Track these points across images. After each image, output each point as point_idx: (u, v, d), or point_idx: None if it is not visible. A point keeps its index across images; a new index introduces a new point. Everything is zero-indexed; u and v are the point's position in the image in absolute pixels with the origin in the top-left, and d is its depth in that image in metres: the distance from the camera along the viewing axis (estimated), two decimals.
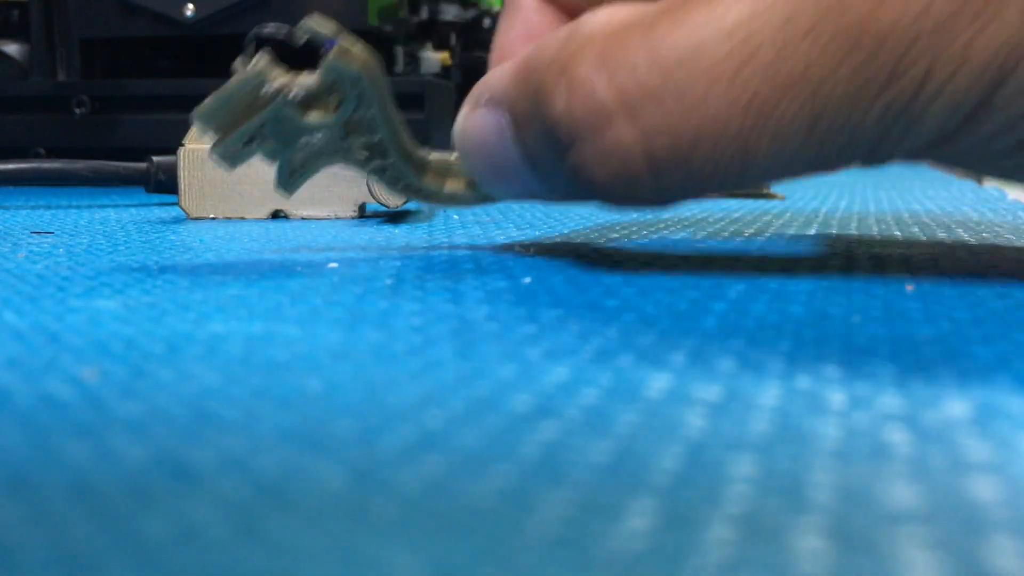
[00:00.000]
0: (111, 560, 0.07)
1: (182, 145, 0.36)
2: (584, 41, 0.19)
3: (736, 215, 0.39)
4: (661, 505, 0.09)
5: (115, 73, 0.64)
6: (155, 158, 0.41)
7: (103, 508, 0.09)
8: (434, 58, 0.71)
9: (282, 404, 0.12)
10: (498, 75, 0.21)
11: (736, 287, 0.20)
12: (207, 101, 0.22)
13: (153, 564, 0.07)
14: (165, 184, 0.40)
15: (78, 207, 0.42)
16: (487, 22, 0.80)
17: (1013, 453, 0.10)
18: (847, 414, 0.11)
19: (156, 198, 0.45)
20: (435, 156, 0.24)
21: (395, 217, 0.37)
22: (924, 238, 0.30)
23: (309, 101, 0.22)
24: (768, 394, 0.12)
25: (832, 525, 0.08)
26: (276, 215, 0.36)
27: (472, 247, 0.27)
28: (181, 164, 0.36)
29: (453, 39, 0.76)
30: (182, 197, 0.36)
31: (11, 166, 0.41)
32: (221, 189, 0.36)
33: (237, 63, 0.22)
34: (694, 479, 0.09)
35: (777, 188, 0.48)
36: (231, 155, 0.22)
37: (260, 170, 0.36)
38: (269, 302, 0.18)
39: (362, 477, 0.09)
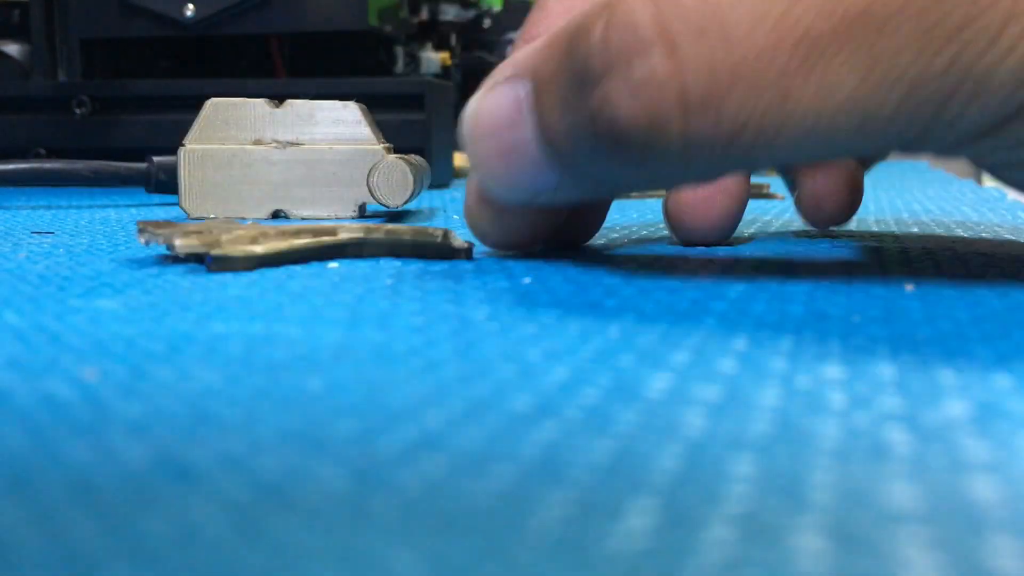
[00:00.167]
0: (111, 560, 0.07)
1: (182, 145, 0.36)
2: None
3: None
4: (661, 505, 0.09)
5: (115, 73, 0.64)
6: (155, 158, 0.41)
7: (103, 508, 0.09)
8: (434, 58, 0.71)
9: (282, 404, 0.12)
10: (524, 50, 0.20)
11: (736, 287, 0.20)
12: None
13: (153, 564, 0.07)
14: (165, 184, 0.40)
15: (78, 207, 0.42)
16: (487, 22, 0.80)
17: (1013, 453, 0.10)
18: (847, 414, 0.11)
19: (156, 198, 0.45)
20: None
21: (395, 217, 0.37)
22: (924, 238, 0.30)
23: None
24: (768, 394, 0.12)
25: (832, 525, 0.08)
26: (276, 215, 0.36)
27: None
28: (181, 164, 0.36)
29: (453, 39, 0.76)
30: (182, 197, 0.36)
31: (11, 166, 0.41)
32: (221, 189, 0.36)
33: None
34: (694, 479, 0.09)
35: (777, 189, 0.48)
36: None
37: (260, 170, 0.36)
38: (269, 302, 0.18)
39: (362, 477, 0.09)
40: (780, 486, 0.09)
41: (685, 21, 0.17)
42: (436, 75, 0.69)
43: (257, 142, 0.36)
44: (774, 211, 0.42)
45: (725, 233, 0.27)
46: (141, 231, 0.22)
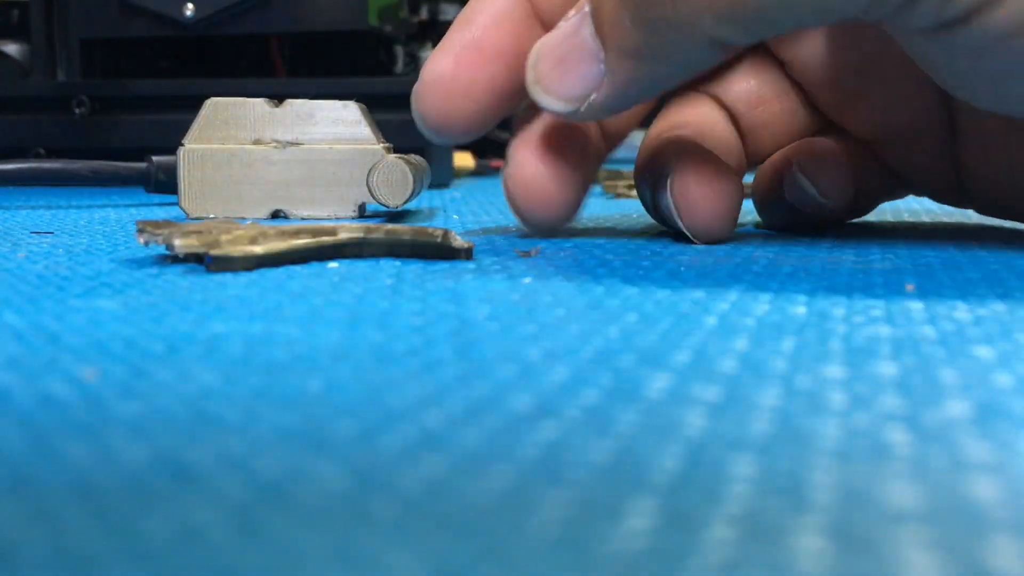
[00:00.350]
0: (111, 560, 0.07)
1: (182, 145, 0.36)
2: None
3: None
4: (661, 505, 0.09)
5: (115, 73, 0.64)
6: (155, 158, 0.41)
7: (103, 508, 0.09)
8: None
9: (282, 404, 0.12)
10: None
11: (736, 287, 0.20)
12: None
13: (153, 564, 0.07)
14: (165, 184, 0.40)
15: (78, 207, 0.42)
16: None
17: (1013, 453, 0.10)
18: (847, 414, 0.11)
19: (156, 198, 0.45)
20: None
21: (395, 217, 0.37)
22: (924, 238, 0.30)
23: None
24: (768, 394, 0.12)
25: (832, 525, 0.08)
26: (276, 215, 0.36)
27: None
28: (181, 164, 0.36)
29: None
30: (182, 197, 0.36)
31: (11, 166, 0.41)
32: (221, 189, 0.36)
33: None
34: (694, 479, 0.09)
35: None
36: None
37: (260, 170, 0.36)
38: (269, 302, 0.18)
39: (362, 477, 0.09)
40: (780, 486, 0.09)
41: None
42: None
43: (257, 142, 0.36)
44: None
45: (726, 231, 0.28)
46: (140, 231, 0.22)
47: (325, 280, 0.21)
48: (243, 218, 0.35)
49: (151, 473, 0.09)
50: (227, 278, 0.21)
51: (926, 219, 0.37)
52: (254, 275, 0.21)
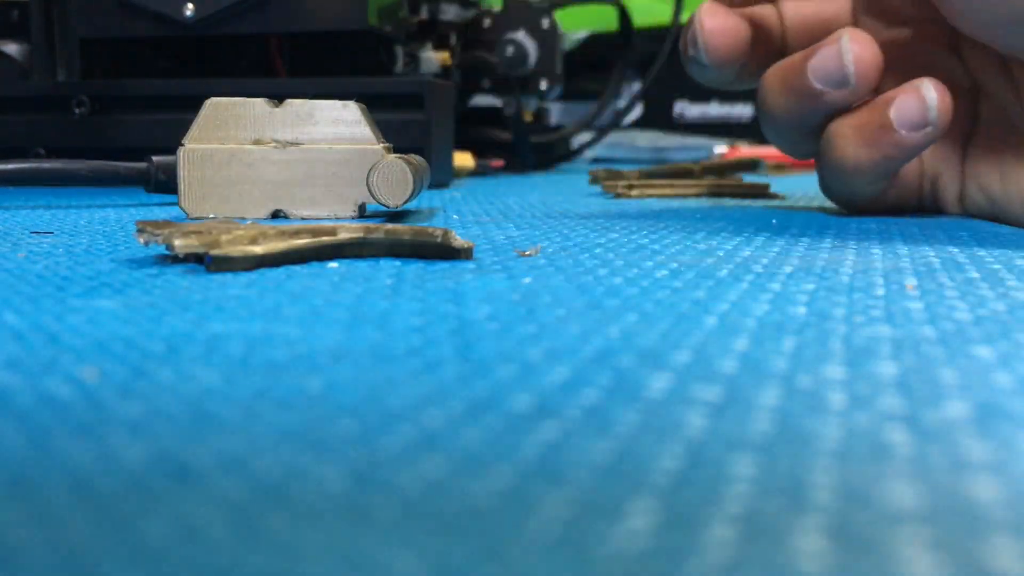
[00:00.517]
0: (111, 560, 0.07)
1: (182, 145, 0.36)
2: None
3: (736, 215, 0.39)
4: (661, 505, 0.09)
5: (115, 73, 0.64)
6: (155, 158, 0.41)
7: (103, 508, 0.09)
8: (434, 58, 0.71)
9: (282, 404, 0.12)
10: None
11: (737, 287, 0.20)
12: None
13: (153, 564, 0.07)
14: (165, 184, 0.40)
15: (78, 207, 0.42)
16: (487, 22, 0.80)
17: (1013, 453, 0.10)
18: (847, 414, 0.11)
19: (156, 198, 0.45)
20: None
21: (395, 217, 0.37)
22: (923, 237, 0.30)
23: None
24: (768, 394, 0.12)
25: (832, 525, 0.08)
26: (276, 215, 0.36)
27: None
28: (181, 164, 0.36)
29: (453, 39, 0.76)
30: (182, 197, 0.36)
31: (11, 166, 0.41)
32: (221, 189, 0.36)
33: None
34: (694, 479, 0.09)
35: (777, 189, 0.48)
36: None
37: (260, 170, 0.36)
38: (269, 302, 0.18)
39: (362, 477, 0.09)
40: (780, 486, 0.09)
41: None
42: (436, 75, 0.69)
43: (257, 142, 0.36)
44: (774, 211, 0.42)
45: (735, 64, 0.36)
46: (140, 231, 0.22)
47: (325, 280, 0.21)
48: (243, 218, 0.35)
49: (151, 473, 0.09)
50: (227, 278, 0.21)
51: (926, 219, 0.37)
52: (254, 275, 0.21)
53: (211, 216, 0.36)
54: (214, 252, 0.22)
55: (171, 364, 0.14)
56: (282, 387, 0.12)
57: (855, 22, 0.38)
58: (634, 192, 0.51)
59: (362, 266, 0.23)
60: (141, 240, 0.22)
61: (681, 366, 0.14)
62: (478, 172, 0.76)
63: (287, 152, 0.36)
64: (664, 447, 0.10)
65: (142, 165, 0.41)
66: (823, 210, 0.42)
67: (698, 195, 0.52)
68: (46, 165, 0.43)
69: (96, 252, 0.26)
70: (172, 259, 0.23)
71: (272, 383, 0.13)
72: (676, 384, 0.13)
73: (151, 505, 0.09)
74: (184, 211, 0.36)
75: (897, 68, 0.36)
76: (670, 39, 0.84)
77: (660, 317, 0.17)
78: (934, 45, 0.37)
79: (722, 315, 0.17)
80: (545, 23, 0.81)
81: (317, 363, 0.14)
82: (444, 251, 0.24)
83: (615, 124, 0.92)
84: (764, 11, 0.38)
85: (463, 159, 0.72)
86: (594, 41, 1.21)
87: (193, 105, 0.38)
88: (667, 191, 0.52)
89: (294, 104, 0.36)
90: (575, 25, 1.19)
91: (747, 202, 0.48)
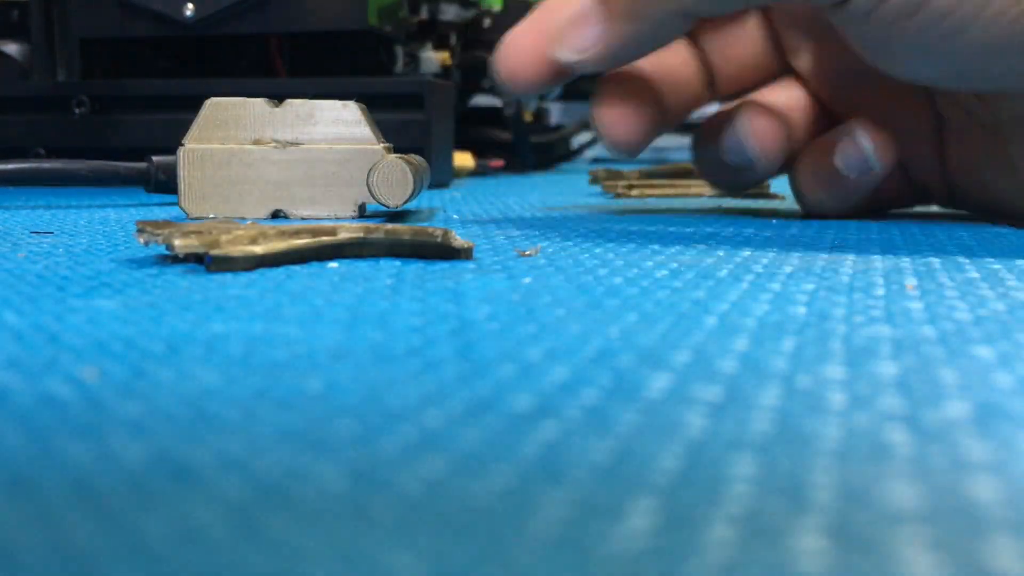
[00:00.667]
0: (111, 560, 0.07)
1: (182, 145, 0.36)
2: None
3: (736, 215, 0.39)
4: (661, 505, 0.09)
5: (115, 73, 0.64)
6: (155, 158, 0.41)
7: (103, 508, 0.09)
8: (434, 58, 0.71)
9: (282, 404, 0.12)
10: None
11: (737, 287, 0.20)
12: None
13: (153, 564, 0.07)
14: (165, 184, 0.40)
15: (78, 207, 0.42)
16: (487, 22, 0.80)
17: (1013, 453, 0.10)
18: (847, 414, 0.11)
19: (156, 198, 0.45)
20: None
21: (395, 217, 0.37)
22: (924, 238, 0.30)
23: None
24: (768, 394, 0.12)
25: (832, 525, 0.08)
26: (276, 215, 0.36)
27: None
28: (181, 164, 0.36)
29: (453, 39, 0.76)
30: (182, 197, 0.36)
31: (11, 166, 0.41)
32: (221, 189, 0.36)
33: None
34: (694, 479, 0.09)
35: (777, 189, 0.48)
36: None
37: (260, 170, 0.36)
38: (269, 302, 0.18)
39: (362, 477, 0.09)
40: (780, 486, 0.09)
41: None
42: (436, 75, 0.69)
43: (257, 142, 0.36)
44: (774, 211, 0.42)
45: (641, 145, 0.34)
46: (140, 231, 0.22)
47: (325, 280, 0.21)
48: (243, 218, 0.35)
49: (151, 473, 0.09)
50: (227, 278, 0.21)
51: (926, 219, 0.37)
52: (254, 275, 0.21)
53: (211, 216, 0.36)
54: (214, 252, 0.22)
55: (171, 364, 0.14)
56: (282, 387, 0.12)
57: (784, 51, 0.38)
58: (634, 192, 0.51)
59: (362, 266, 0.23)
60: (141, 240, 0.22)
61: (681, 366, 0.14)
62: (478, 172, 0.76)
63: (287, 152, 0.36)
64: (664, 447, 0.10)
65: (142, 165, 0.41)
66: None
67: (698, 195, 0.52)
68: (46, 165, 0.43)
69: (96, 252, 0.26)
70: (172, 259, 0.23)
71: (272, 383, 0.13)
72: (676, 384, 0.13)
73: (151, 505, 0.09)
74: (184, 211, 0.36)
75: (850, 85, 0.36)
76: None
77: (660, 317, 0.17)
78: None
79: (722, 315, 0.17)
80: None
81: (317, 363, 0.14)
82: (444, 251, 0.24)
83: None
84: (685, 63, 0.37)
85: (463, 159, 0.72)
86: None
87: (193, 105, 0.38)
88: (667, 191, 0.52)
89: (294, 104, 0.36)
90: None
91: (747, 202, 0.48)
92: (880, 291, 0.20)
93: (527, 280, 0.21)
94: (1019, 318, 0.17)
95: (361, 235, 0.24)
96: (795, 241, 0.29)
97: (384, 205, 0.35)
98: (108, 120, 0.59)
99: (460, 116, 0.74)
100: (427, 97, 0.56)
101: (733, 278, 0.21)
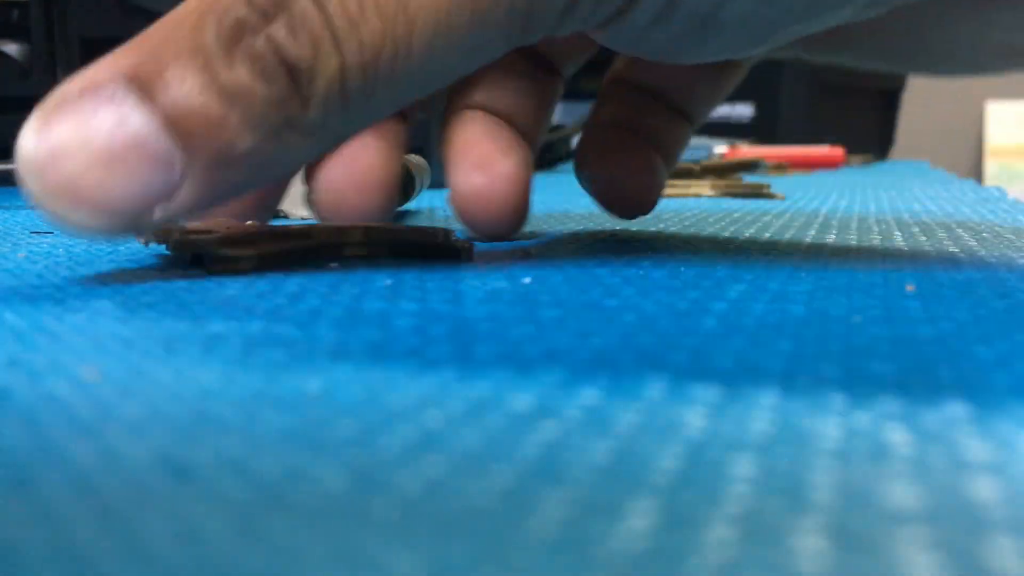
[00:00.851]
0: (111, 560, 0.07)
1: None
2: None
3: (736, 215, 0.39)
4: (661, 505, 0.09)
5: None
6: None
7: (103, 508, 0.09)
8: None
9: (282, 404, 0.12)
10: (93, 67, 0.21)
11: (736, 287, 0.20)
12: None
13: (153, 564, 0.07)
14: None
15: None
16: None
17: (1013, 453, 0.10)
18: (847, 414, 0.11)
19: None
20: None
21: (395, 216, 0.37)
22: (924, 239, 0.30)
23: None
24: (768, 394, 0.12)
25: (832, 525, 0.08)
26: (276, 215, 0.36)
27: None
28: None
29: None
30: None
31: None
32: None
33: None
34: (694, 479, 0.09)
35: (777, 189, 0.48)
36: None
37: None
38: (268, 302, 0.18)
39: (362, 477, 0.09)
40: (780, 486, 0.09)
41: None
42: None
43: None
44: (775, 211, 0.42)
45: (513, 226, 0.27)
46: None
47: (324, 280, 0.21)
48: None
49: (151, 473, 0.09)
50: (227, 278, 0.21)
51: (926, 219, 0.37)
52: (254, 275, 0.21)
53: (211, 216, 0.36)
54: (214, 252, 0.22)
55: (171, 364, 0.14)
56: (281, 387, 0.12)
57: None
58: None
59: (361, 266, 0.23)
60: (141, 240, 0.22)
61: (681, 366, 0.14)
62: None
63: None
64: (664, 447, 0.10)
65: None
66: (823, 209, 0.42)
67: (698, 195, 0.52)
68: None
69: (96, 252, 0.26)
70: (172, 259, 0.23)
71: (271, 383, 0.13)
72: (676, 384, 0.13)
73: (151, 505, 0.09)
74: None
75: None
76: None
77: (660, 317, 0.17)
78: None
79: (722, 315, 0.17)
80: None
81: (317, 363, 0.14)
82: (444, 251, 0.24)
83: None
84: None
85: None
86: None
87: None
88: (667, 191, 0.52)
89: None
90: None
91: (747, 202, 0.48)
92: (880, 291, 0.20)
93: (527, 280, 0.21)
94: (1019, 318, 0.17)
95: (361, 235, 0.24)
96: (795, 241, 0.29)
97: None
98: None
99: None
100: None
101: (733, 278, 0.21)
